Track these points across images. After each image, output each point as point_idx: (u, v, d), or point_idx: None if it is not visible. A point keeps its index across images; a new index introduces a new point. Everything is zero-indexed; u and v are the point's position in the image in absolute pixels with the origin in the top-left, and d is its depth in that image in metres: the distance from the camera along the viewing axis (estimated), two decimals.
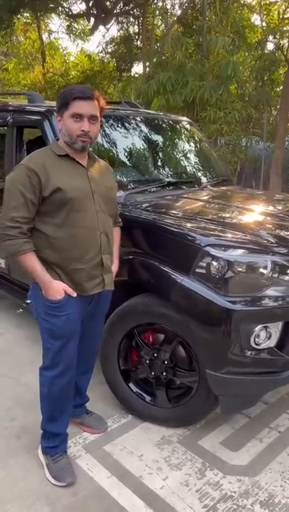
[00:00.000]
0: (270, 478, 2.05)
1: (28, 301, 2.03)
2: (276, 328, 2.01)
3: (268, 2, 8.76)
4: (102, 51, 12.26)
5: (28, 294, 2.02)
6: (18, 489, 1.96)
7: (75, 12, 11.61)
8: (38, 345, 2.02)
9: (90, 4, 10.35)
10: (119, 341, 2.36)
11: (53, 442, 2.05)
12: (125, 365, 2.41)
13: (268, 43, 8.35)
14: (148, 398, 2.39)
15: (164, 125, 3.59)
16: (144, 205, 2.57)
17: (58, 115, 1.84)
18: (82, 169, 1.89)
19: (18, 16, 10.90)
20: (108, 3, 10.54)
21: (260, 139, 7.93)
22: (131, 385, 2.42)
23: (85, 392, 2.32)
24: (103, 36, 18.98)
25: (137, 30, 11.43)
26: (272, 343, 2.01)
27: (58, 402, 2.01)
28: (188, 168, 3.55)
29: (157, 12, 10.52)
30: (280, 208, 2.93)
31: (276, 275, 2.02)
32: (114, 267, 2.09)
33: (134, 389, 2.41)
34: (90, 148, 1.94)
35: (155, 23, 11.18)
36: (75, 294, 1.87)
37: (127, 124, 3.20)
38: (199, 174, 3.54)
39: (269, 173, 7.21)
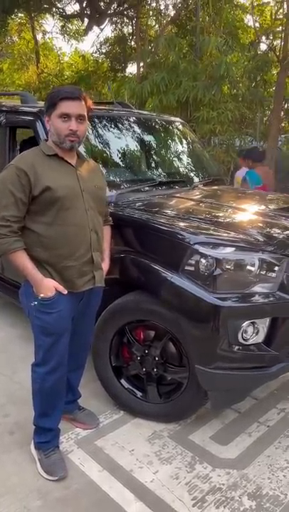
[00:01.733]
0: (258, 471, 2.10)
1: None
2: (264, 324, 2.05)
3: (260, 3, 8.82)
4: (96, 51, 12.31)
5: (19, 292, 2.05)
6: (11, 483, 1.99)
7: (69, 12, 11.66)
8: (32, 343, 2.05)
9: (84, 5, 10.38)
10: (111, 338, 2.39)
11: (45, 437, 2.09)
12: (117, 361, 2.45)
13: (261, 44, 8.41)
14: (139, 394, 2.43)
15: (156, 126, 3.63)
16: (135, 205, 2.61)
17: (46, 116, 1.89)
18: (71, 168, 1.93)
19: (12, 16, 10.91)
20: (102, 3, 10.56)
21: (253, 138, 7.98)
22: (122, 381, 2.45)
23: (77, 388, 2.36)
24: (97, 36, 19.03)
25: (130, 31, 11.48)
26: (259, 338, 2.05)
27: (50, 397, 2.05)
28: (180, 168, 3.59)
29: (151, 13, 10.57)
30: (269, 206, 2.97)
31: (264, 272, 2.07)
32: (106, 265, 2.12)
33: (126, 385, 2.45)
34: (83, 148, 1.97)
35: (149, 23, 11.23)
36: (65, 292, 1.90)
37: (119, 125, 3.23)
38: (191, 174, 3.58)
39: None
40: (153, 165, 3.42)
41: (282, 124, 8.23)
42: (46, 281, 1.86)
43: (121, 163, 3.13)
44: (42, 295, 1.87)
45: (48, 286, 1.86)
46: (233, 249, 2.07)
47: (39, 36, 13.88)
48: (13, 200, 1.79)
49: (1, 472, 2.06)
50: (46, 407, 2.06)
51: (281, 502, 1.93)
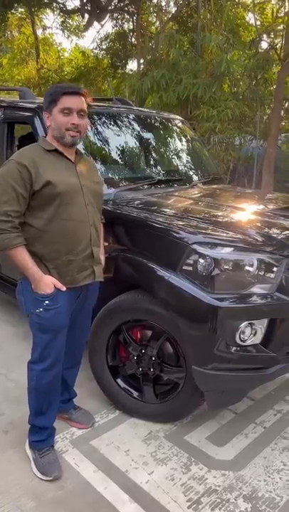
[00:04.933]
0: (254, 473, 2.08)
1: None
2: (261, 325, 2.03)
3: (262, 1, 8.78)
4: (96, 47, 12.24)
5: (16, 289, 2.03)
6: (5, 483, 1.97)
7: (69, 8, 11.56)
8: (27, 341, 2.04)
9: (85, 0, 10.31)
10: (108, 337, 2.38)
11: (40, 436, 2.07)
12: (113, 361, 2.43)
13: (262, 42, 8.37)
14: (135, 394, 2.41)
15: (155, 123, 3.60)
16: (134, 203, 2.58)
17: (47, 112, 1.90)
18: (70, 164, 1.94)
19: (13, 11, 10.83)
20: None
21: (253, 137, 7.95)
22: (119, 380, 2.43)
23: (72, 387, 2.34)
24: (98, 32, 18.89)
25: (131, 27, 11.41)
26: (257, 339, 2.04)
27: (46, 395, 2.04)
28: (180, 167, 3.57)
29: (152, 9, 10.51)
30: (268, 206, 2.96)
31: (262, 273, 2.05)
32: (102, 263, 2.11)
33: (122, 385, 2.43)
34: (81, 144, 1.97)
35: (150, 20, 11.18)
36: (64, 288, 1.90)
37: (118, 122, 3.21)
38: (190, 172, 3.56)
39: (262, 172, 7.24)
40: (152, 163, 3.39)
41: (282, 123, 8.19)
42: (45, 278, 1.86)
43: (120, 160, 3.11)
44: (41, 292, 1.86)
45: (47, 283, 1.86)
46: (232, 249, 2.05)
47: (39, 31, 13.81)
48: (14, 195, 1.79)
49: None
50: (42, 405, 2.05)
51: (277, 504, 1.91)
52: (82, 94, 1.87)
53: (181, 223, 2.23)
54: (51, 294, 1.87)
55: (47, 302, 1.88)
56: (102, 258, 2.13)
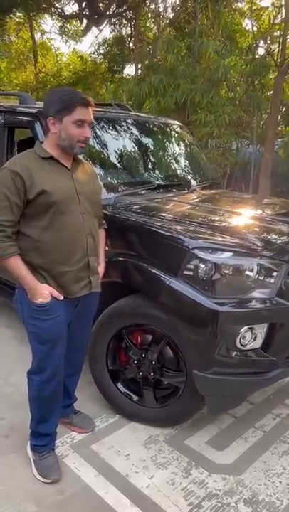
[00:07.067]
0: (254, 477, 2.09)
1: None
2: (261, 330, 2.05)
3: (259, 7, 8.84)
4: (94, 52, 12.28)
5: (13, 299, 2.01)
6: (6, 487, 1.97)
7: (67, 13, 11.60)
8: (27, 345, 2.03)
9: (83, 5, 10.36)
10: (108, 342, 2.38)
11: (42, 441, 2.08)
12: (113, 365, 2.44)
13: (259, 48, 8.44)
14: (136, 398, 2.42)
15: (154, 128, 3.63)
16: (133, 207, 2.60)
17: (54, 118, 1.81)
18: (66, 171, 1.89)
19: (11, 16, 10.87)
20: (101, 4, 10.55)
21: (250, 142, 8.00)
22: (119, 385, 2.44)
23: (73, 392, 2.34)
24: (96, 37, 18.99)
25: (129, 32, 11.46)
26: (257, 344, 2.05)
27: (48, 404, 2.03)
28: (178, 171, 3.59)
29: (150, 15, 10.57)
30: (267, 211, 2.98)
31: (262, 278, 2.07)
32: (101, 269, 2.10)
33: (122, 389, 2.44)
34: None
35: (147, 25, 11.23)
36: (61, 297, 1.87)
37: (117, 127, 3.23)
38: (189, 177, 3.57)
39: (258, 176, 7.28)
40: (151, 168, 3.41)
41: (279, 128, 8.25)
42: (41, 288, 1.83)
43: (119, 165, 3.13)
44: (37, 301, 1.84)
45: (43, 292, 1.83)
46: (232, 254, 2.07)
47: (37, 36, 13.84)
48: (7, 204, 1.75)
49: None
50: (44, 413, 2.04)
51: (277, 508, 1.92)
52: (92, 105, 1.84)
53: (181, 228, 2.25)
54: (47, 304, 1.84)
55: (43, 312, 1.85)
56: (103, 264, 2.12)
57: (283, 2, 7.46)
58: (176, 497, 1.96)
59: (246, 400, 2.45)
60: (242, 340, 2.00)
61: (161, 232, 2.21)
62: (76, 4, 10.61)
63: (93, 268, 1.96)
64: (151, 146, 3.48)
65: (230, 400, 2.22)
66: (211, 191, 3.41)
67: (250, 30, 8.67)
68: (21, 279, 1.81)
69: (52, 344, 1.92)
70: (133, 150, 3.29)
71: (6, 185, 1.75)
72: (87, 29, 11.17)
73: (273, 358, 2.07)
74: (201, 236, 2.16)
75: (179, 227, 2.25)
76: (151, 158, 3.47)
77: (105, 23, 11.07)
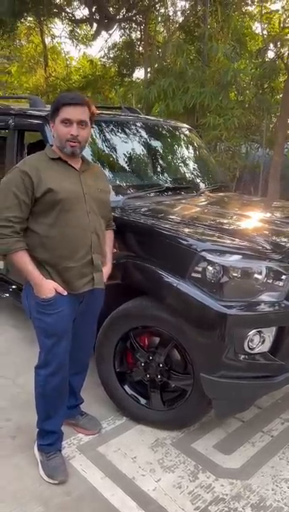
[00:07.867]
0: (262, 482, 2.07)
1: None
2: (270, 333, 2.04)
3: (269, 11, 8.84)
4: (104, 56, 12.35)
5: (21, 295, 2.06)
6: (13, 488, 1.98)
7: (78, 17, 11.68)
8: (35, 346, 2.05)
9: (93, 10, 10.42)
10: (115, 344, 2.38)
11: (48, 440, 2.09)
12: (121, 367, 2.44)
13: (269, 51, 8.42)
14: (143, 401, 2.41)
15: (163, 131, 3.63)
16: (142, 210, 2.60)
17: (51, 121, 1.96)
18: (74, 172, 1.98)
19: (22, 20, 10.97)
20: (111, 9, 10.61)
21: (259, 145, 7.98)
22: (126, 387, 2.44)
23: (79, 393, 2.35)
24: (105, 41, 19.07)
25: (139, 36, 11.51)
26: (265, 347, 2.04)
27: (53, 400, 2.05)
28: (187, 174, 3.59)
29: (159, 19, 10.60)
30: (276, 214, 2.96)
31: (270, 281, 2.05)
32: (107, 269, 2.13)
33: (129, 391, 2.43)
34: (90, 151, 1.99)
35: (157, 29, 11.27)
36: (65, 293, 1.93)
37: (126, 130, 3.24)
38: (198, 180, 3.57)
39: (268, 180, 7.25)
40: (160, 170, 3.42)
41: None
42: (46, 283, 1.89)
43: (128, 168, 3.13)
44: (42, 296, 1.89)
45: (48, 287, 1.89)
46: (241, 256, 2.06)
47: (47, 40, 13.97)
48: (16, 202, 1.84)
49: (2, 477, 2.04)
50: (49, 410, 2.07)
51: None
52: (84, 105, 1.89)
53: (189, 230, 2.25)
54: (52, 299, 1.90)
55: (48, 307, 1.92)
56: (109, 265, 2.15)
57: None
58: (183, 501, 1.95)
59: (254, 404, 2.43)
60: (250, 344, 1.99)
61: (169, 234, 2.21)
62: (86, 9, 10.68)
63: (97, 265, 2.01)
64: (160, 149, 3.48)
65: (237, 404, 2.20)
66: (220, 194, 3.41)
67: (260, 34, 8.66)
68: (28, 274, 1.88)
69: (57, 338, 1.97)
70: (142, 153, 3.30)
71: (16, 184, 1.85)
72: (97, 33, 11.24)
73: (282, 361, 2.06)
74: (210, 238, 2.16)
75: (187, 230, 2.25)
76: (160, 161, 3.48)
77: (115, 27, 11.12)
